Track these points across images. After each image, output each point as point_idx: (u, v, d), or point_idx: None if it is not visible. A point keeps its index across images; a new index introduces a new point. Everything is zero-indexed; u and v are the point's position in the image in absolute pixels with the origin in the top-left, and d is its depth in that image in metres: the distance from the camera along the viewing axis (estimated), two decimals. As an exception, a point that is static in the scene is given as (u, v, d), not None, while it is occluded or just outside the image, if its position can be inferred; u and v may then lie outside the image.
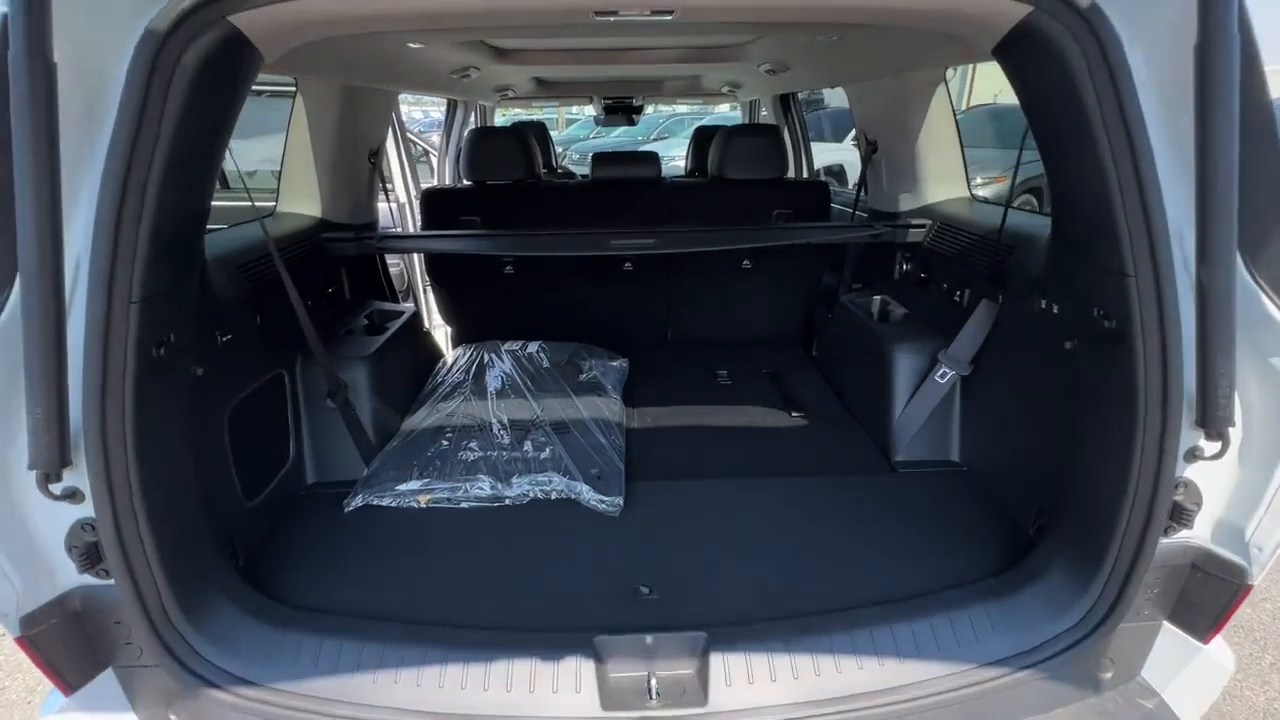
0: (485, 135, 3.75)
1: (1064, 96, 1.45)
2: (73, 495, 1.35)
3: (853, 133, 8.36)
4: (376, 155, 3.19)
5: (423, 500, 2.21)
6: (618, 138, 14.88)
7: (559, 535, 2.06)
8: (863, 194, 3.42)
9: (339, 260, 2.92)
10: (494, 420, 2.63)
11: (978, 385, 2.40)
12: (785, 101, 5.12)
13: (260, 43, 1.47)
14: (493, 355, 3.11)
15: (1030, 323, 2.04)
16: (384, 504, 2.20)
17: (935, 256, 2.83)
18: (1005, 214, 2.26)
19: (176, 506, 1.53)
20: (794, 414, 2.87)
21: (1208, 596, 1.54)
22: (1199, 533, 1.53)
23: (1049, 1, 1.37)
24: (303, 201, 2.91)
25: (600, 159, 3.69)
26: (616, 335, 3.55)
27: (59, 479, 1.32)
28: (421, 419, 2.67)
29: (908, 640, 1.59)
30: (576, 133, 16.87)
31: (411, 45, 2.49)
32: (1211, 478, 1.48)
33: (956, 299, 2.59)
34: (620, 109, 6.13)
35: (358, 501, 2.21)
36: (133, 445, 1.37)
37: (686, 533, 2.07)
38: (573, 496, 2.21)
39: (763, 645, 1.57)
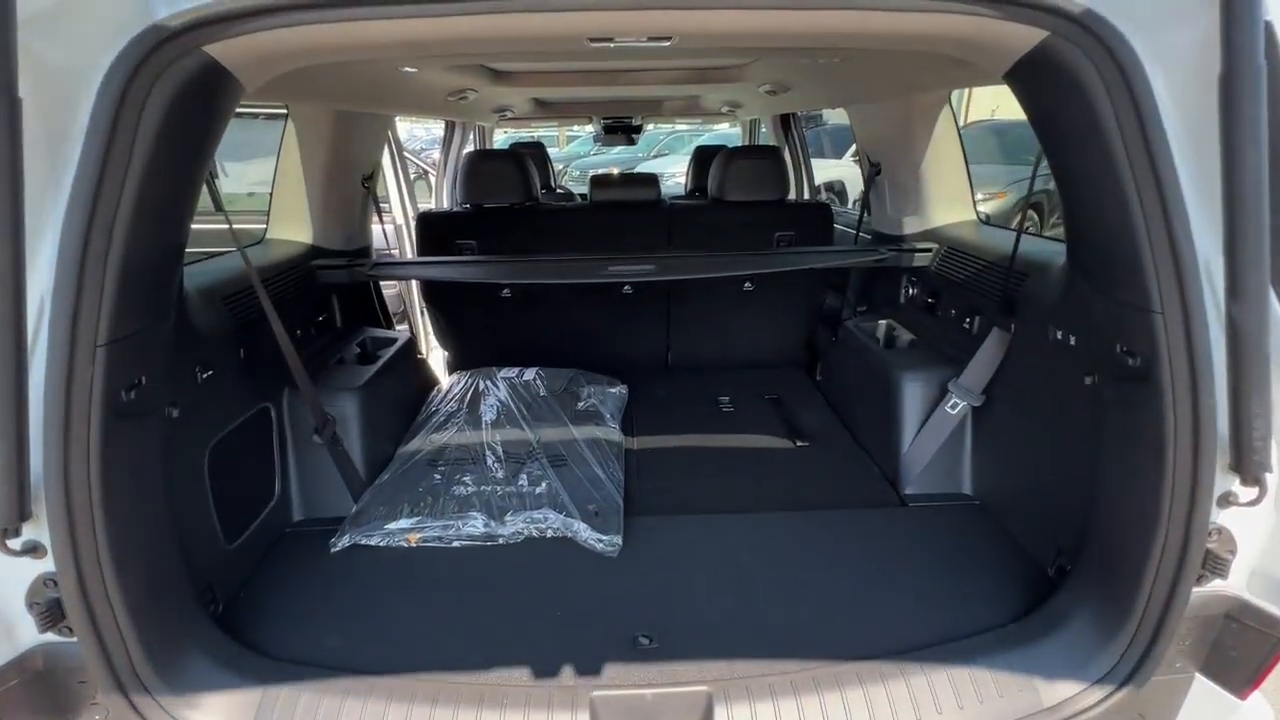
0: (481, 158, 3.69)
1: (1082, 123, 1.38)
2: (34, 550, 1.28)
3: (853, 148, 8.37)
4: (370, 180, 3.12)
5: (413, 539, 2.12)
6: (618, 154, 14.93)
7: (554, 578, 1.97)
8: (866, 216, 3.35)
9: (330, 287, 2.85)
10: (488, 452, 2.55)
11: (990, 417, 2.31)
12: (786, 121, 5.07)
13: (239, 72, 1.40)
14: (488, 383, 3.03)
15: (1045, 354, 1.97)
16: (372, 543, 2.11)
17: (943, 281, 2.75)
18: (1017, 241, 2.18)
19: (147, 556, 1.45)
20: (798, 443, 2.78)
21: (1244, 649, 1.45)
22: (1234, 582, 1.44)
23: (1065, 25, 1.30)
24: (293, 228, 2.84)
25: (599, 181, 3.63)
26: (615, 359, 3.48)
27: (18, 534, 1.24)
28: (414, 450, 2.58)
29: (925, 696, 1.50)
30: (577, 150, 16.92)
31: (405, 70, 2.43)
32: (1247, 523, 1.39)
33: (966, 326, 2.51)
34: (619, 128, 6.11)
35: (345, 542, 2.12)
36: (99, 494, 1.29)
37: (688, 574, 1.98)
38: (569, 535, 2.12)
39: (769, 701, 1.48)
